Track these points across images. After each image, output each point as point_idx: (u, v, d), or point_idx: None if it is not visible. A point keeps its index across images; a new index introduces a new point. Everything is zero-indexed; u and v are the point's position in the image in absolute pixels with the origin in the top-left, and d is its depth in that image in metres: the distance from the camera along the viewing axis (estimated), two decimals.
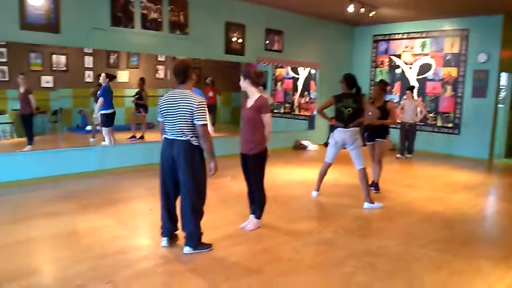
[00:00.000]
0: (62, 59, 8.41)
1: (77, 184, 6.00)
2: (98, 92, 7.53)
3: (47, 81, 8.76)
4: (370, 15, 8.65)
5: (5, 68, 7.95)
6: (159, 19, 7.11)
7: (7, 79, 8.06)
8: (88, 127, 9.14)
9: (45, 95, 8.67)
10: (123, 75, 10.17)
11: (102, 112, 7.41)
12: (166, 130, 3.60)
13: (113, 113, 7.50)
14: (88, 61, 9.57)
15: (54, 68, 8.71)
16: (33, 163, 6.00)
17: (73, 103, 9.37)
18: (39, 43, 6.38)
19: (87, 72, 9.55)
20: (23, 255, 3.56)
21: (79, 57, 9.31)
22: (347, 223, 4.65)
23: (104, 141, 7.72)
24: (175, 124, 3.49)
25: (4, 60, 7.77)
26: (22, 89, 7.11)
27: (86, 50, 9.08)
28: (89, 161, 6.61)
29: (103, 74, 7.59)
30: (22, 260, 3.45)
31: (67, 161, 6.38)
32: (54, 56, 8.67)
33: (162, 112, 3.57)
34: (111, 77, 7.67)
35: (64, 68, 8.63)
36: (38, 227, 4.21)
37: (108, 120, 7.39)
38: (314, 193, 5.64)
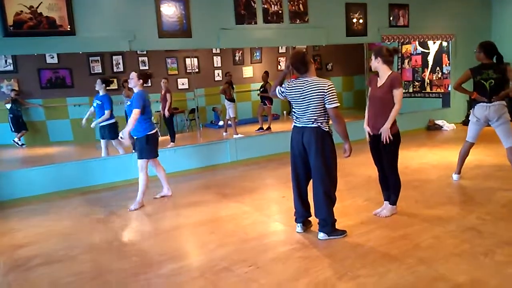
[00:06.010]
0: (194, 61, 9.13)
1: (215, 175, 6.50)
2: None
3: (182, 83, 9.66)
4: None
5: None
6: (280, 11, 7.25)
7: (149, 84, 9.09)
8: (221, 123, 9.83)
9: (182, 96, 9.56)
10: (248, 71, 10.67)
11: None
12: (295, 118, 3.67)
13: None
14: (217, 61, 10.28)
15: (188, 71, 9.55)
16: (178, 158, 6.65)
17: (206, 101, 10.16)
18: (175, 48, 7.06)
19: (216, 71, 10.26)
20: (174, 239, 4.01)
21: (208, 58, 10.06)
22: (496, 208, 4.20)
23: (237, 134, 8.22)
24: (306, 112, 3.54)
25: (146, 68, 8.75)
26: (163, 91, 7.93)
27: (214, 51, 9.77)
28: (224, 153, 7.10)
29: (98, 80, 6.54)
30: (174, 244, 3.89)
31: (206, 154, 6.95)
32: (187, 59, 9.49)
33: (287, 95, 3.69)
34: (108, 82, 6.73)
35: (197, 70, 9.37)
36: (184, 215, 4.68)
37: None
38: (455, 176, 5.22)
